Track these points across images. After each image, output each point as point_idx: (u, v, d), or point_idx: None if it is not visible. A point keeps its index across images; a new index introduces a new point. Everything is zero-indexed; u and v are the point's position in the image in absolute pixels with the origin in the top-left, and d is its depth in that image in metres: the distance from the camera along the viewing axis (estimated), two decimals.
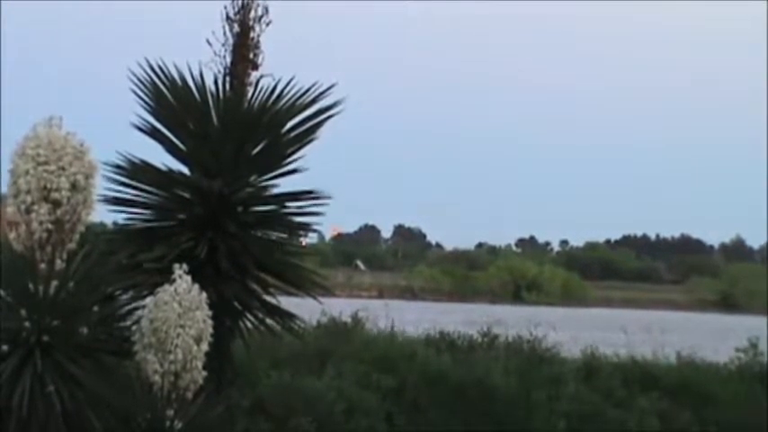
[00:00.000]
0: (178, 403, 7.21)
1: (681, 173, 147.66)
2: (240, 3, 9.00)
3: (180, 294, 7.21)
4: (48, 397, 6.71)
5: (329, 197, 9.05)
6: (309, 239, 10.44)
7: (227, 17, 8.99)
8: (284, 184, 9.18)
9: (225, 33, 8.96)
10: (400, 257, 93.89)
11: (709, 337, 24.49)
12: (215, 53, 8.91)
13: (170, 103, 8.99)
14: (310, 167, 9.19)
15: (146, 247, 8.48)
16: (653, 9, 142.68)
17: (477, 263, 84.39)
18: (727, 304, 70.52)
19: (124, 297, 7.73)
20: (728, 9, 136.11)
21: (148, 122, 9.06)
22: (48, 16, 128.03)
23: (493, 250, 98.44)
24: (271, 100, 8.99)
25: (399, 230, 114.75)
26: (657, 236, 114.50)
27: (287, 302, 9.13)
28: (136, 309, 7.45)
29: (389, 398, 13.86)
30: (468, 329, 16.34)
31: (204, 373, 7.28)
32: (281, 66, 9.14)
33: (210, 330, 7.31)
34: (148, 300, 7.36)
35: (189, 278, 7.29)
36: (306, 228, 9.38)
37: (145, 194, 8.92)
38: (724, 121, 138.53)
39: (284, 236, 9.38)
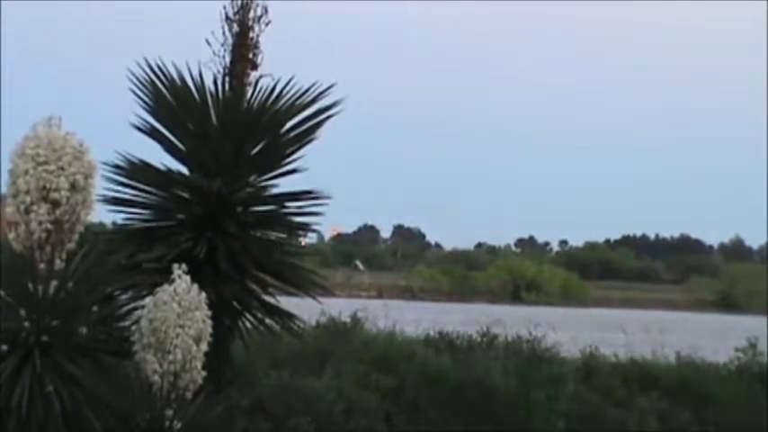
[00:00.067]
0: (177, 403, 7.21)
1: (681, 173, 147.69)
2: (239, 3, 9.00)
3: (179, 294, 7.20)
4: (47, 397, 6.71)
5: (329, 197, 9.06)
6: (309, 239, 10.45)
7: (227, 17, 8.99)
8: (284, 184, 9.20)
9: (224, 33, 8.96)
10: (399, 257, 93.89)
11: (709, 337, 24.51)
12: (214, 53, 8.92)
13: (169, 102, 8.99)
14: (310, 167, 9.20)
15: (145, 247, 8.48)
16: (653, 9, 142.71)
17: (477, 263, 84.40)
18: (727, 304, 70.53)
19: (123, 297, 7.73)
20: (728, 9, 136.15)
21: (148, 122, 9.06)
22: (48, 16, 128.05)
23: (492, 250, 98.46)
24: (270, 100, 8.99)
25: (399, 230, 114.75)
26: (657, 236, 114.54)
27: (286, 302, 9.13)
28: (135, 309, 7.44)
29: (389, 398, 13.86)
30: (468, 329, 16.34)
31: (203, 373, 7.27)
32: (280, 66, 9.15)
33: (210, 330, 7.31)
34: (148, 300, 7.35)
35: (188, 278, 7.29)
36: (305, 228, 9.38)
37: (144, 194, 8.92)
38: (724, 121, 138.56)
39: (283, 236, 9.38)
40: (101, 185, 7.73)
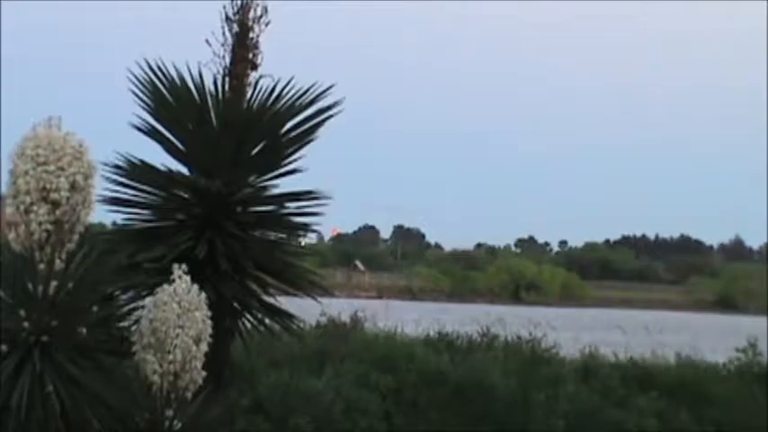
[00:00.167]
0: (177, 403, 7.21)
1: (681, 173, 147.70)
2: (239, 3, 8.99)
3: (179, 295, 7.20)
4: (47, 397, 6.71)
5: (328, 197, 9.05)
6: (309, 240, 10.44)
7: (227, 17, 8.98)
8: (283, 185, 9.19)
9: (224, 33, 8.95)
10: (399, 258, 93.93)
11: (708, 337, 24.52)
12: (214, 53, 8.91)
13: (169, 103, 8.98)
14: (310, 168, 9.19)
15: (145, 248, 8.47)
16: (653, 9, 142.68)
17: (477, 263, 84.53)
18: (726, 304, 70.57)
19: (123, 297, 7.72)
20: (729, 9, 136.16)
21: (148, 123, 9.06)
22: (47, 16, 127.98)
23: (492, 250, 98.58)
24: (270, 100, 8.99)
25: (399, 231, 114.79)
26: (656, 236, 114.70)
27: (286, 303, 9.13)
28: (135, 309, 7.44)
29: (388, 398, 13.87)
30: (468, 329, 16.36)
31: (203, 374, 7.27)
32: (280, 66, 9.15)
33: (210, 331, 7.31)
34: (148, 300, 7.35)
35: (188, 278, 7.29)
36: (305, 228, 9.37)
37: (144, 195, 8.91)
38: (724, 121, 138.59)
39: (283, 236, 9.37)
40: (101, 186, 7.73)
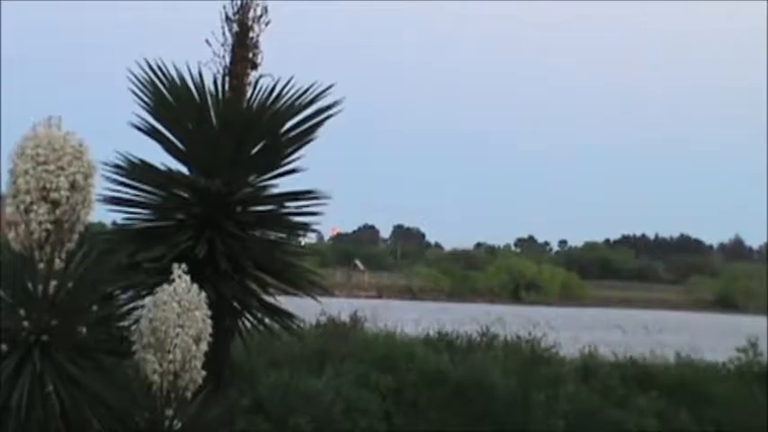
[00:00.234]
0: (177, 403, 7.21)
1: (681, 173, 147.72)
2: (239, 3, 8.99)
3: (179, 294, 7.20)
4: (47, 397, 6.71)
5: (328, 197, 9.05)
6: (308, 239, 10.44)
7: (227, 17, 8.98)
8: (283, 184, 9.19)
9: (224, 33, 8.95)
10: (399, 257, 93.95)
11: (708, 336, 24.53)
12: (214, 53, 8.91)
13: (169, 102, 8.98)
14: (309, 167, 9.19)
15: (145, 247, 8.47)
16: (653, 9, 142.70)
17: (477, 262, 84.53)
18: (726, 304, 70.57)
19: (123, 297, 7.72)
20: (728, 9, 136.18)
21: (147, 122, 9.06)
22: (47, 16, 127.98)
23: (492, 250, 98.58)
24: (270, 100, 8.99)
25: (398, 230, 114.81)
26: (656, 236, 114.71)
27: (286, 302, 9.13)
28: (135, 308, 7.44)
29: (388, 398, 13.87)
30: (467, 329, 16.36)
31: (203, 373, 7.27)
32: (280, 65, 9.15)
33: (210, 330, 7.31)
34: (147, 299, 7.35)
35: (188, 278, 7.29)
36: (305, 228, 9.37)
37: (144, 194, 8.91)
38: (724, 121, 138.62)
39: (283, 236, 9.37)
40: (101, 185, 7.72)
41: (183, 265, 7.33)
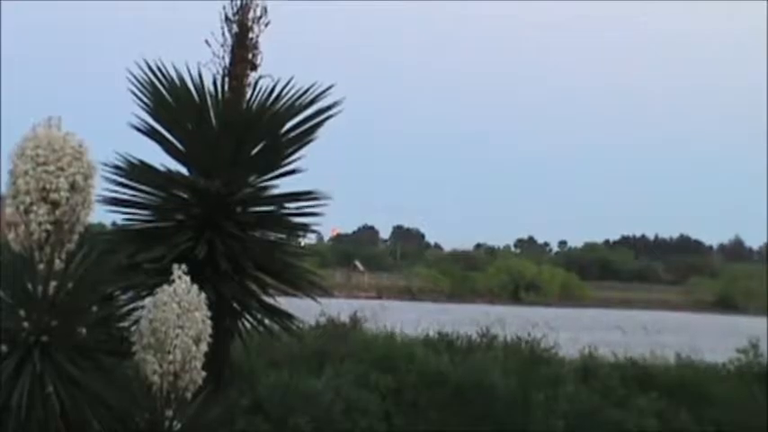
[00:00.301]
0: (177, 403, 7.21)
1: (680, 173, 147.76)
2: (239, 3, 8.99)
3: (179, 295, 7.20)
4: (47, 397, 6.71)
5: (328, 198, 9.05)
6: (308, 240, 10.44)
7: (226, 18, 8.98)
8: (283, 185, 9.19)
9: (224, 34, 8.95)
10: (399, 258, 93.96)
11: (708, 337, 24.53)
12: (214, 54, 8.91)
13: (169, 103, 8.98)
14: (309, 168, 9.19)
15: (144, 248, 8.47)
16: (653, 9, 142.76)
17: (476, 263, 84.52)
18: (726, 305, 70.55)
19: (123, 297, 7.72)
20: (728, 9, 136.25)
21: (147, 123, 9.06)
22: (47, 16, 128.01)
23: (492, 251, 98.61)
24: (270, 100, 8.99)
25: (398, 231, 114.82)
26: (656, 236, 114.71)
27: (286, 303, 9.13)
28: (135, 309, 7.44)
29: (388, 398, 13.88)
30: (467, 330, 16.37)
31: (203, 374, 7.27)
32: (279, 66, 9.15)
33: (209, 331, 7.31)
34: (147, 300, 7.35)
35: (188, 279, 7.29)
36: (305, 228, 9.37)
37: (143, 195, 8.92)
38: (724, 121, 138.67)
39: (283, 236, 9.38)
40: (100, 186, 7.73)
41: (183, 266, 7.33)
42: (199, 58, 8.85)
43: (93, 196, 7.09)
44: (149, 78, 8.88)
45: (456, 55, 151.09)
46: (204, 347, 7.26)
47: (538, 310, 40.00)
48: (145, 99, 8.96)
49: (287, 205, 9.17)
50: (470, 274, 77.88)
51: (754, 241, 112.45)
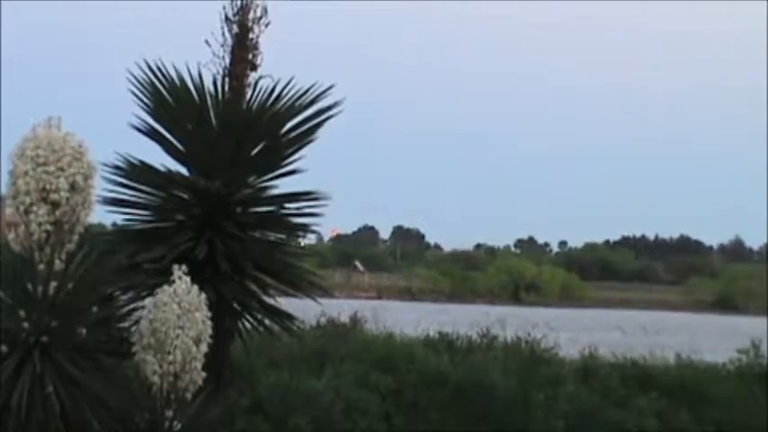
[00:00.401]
0: (177, 404, 7.21)
1: (680, 173, 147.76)
2: (239, 3, 8.99)
3: (179, 295, 7.20)
4: (47, 397, 6.72)
5: (328, 198, 9.05)
6: (308, 240, 10.44)
7: (226, 18, 8.98)
8: (283, 185, 9.19)
9: (224, 34, 8.95)
10: (399, 258, 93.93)
11: (707, 337, 24.53)
12: (214, 54, 8.91)
13: (169, 103, 8.98)
14: (309, 168, 9.19)
15: (145, 248, 8.47)
16: (653, 9, 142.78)
17: (476, 263, 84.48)
18: (726, 305, 70.53)
19: (123, 298, 7.72)
20: (728, 9, 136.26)
21: (147, 123, 9.06)
22: (47, 16, 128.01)
23: (492, 251, 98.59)
24: (270, 101, 8.99)
25: (398, 231, 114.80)
26: (656, 236, 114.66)
27: (286, 303, 9.13)
28: (135, 310, 7.44)
29: (388, 398, 13.88)
30: (467, 330, 16.36)
31: (203, 374, 7.27)
32: (280, 66, 9.15)
33: (210, 331, 7.31)
34: (147, 301, 7.35)
35: (188, 279, 7.29)
36: (305, 229, 9.37)
37: (144, 195, 8.92)
38: (724, 121, 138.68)
39: (283, 237, 9.38)
40: (100, 186, 7.74)
41: (183, 267, 7.33)
42: (199, 58, 8.86)
43: (94, 196, 7.10)
44: (149, 78, 8.88)
45: (456, 55, 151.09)
46: (204, 348, 7.26)
47: (538, 310, 40.00)
48: (145, 99, 8.96)
49: (287, 205, 9.17)
50: (470, 274, 77.85)
51: (754, 241, 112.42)
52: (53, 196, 6.85)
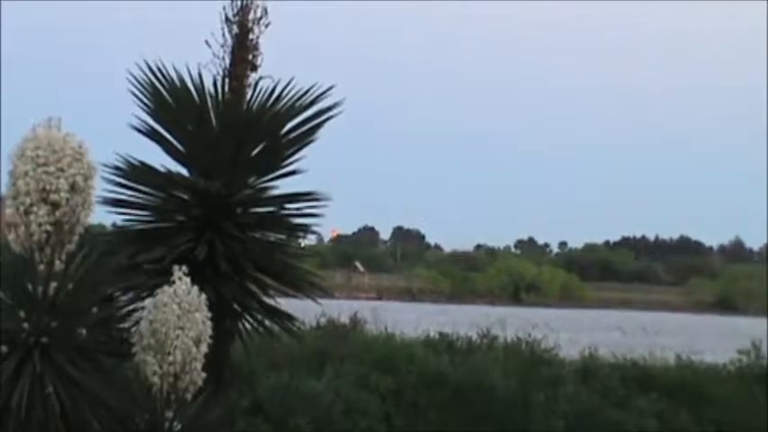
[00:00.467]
0: (177, 404, 7.22)
1: (681, 173, 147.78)
2: (239, 4, 8.99)
3: (179, 296, 7.21)
4: (47, 398, 6.72)
5: (328, 199, 9.05)
6: (308, 241, 10.44)
7: (227, 18, 8.98)
8: (283, 186, 9.19)
9: (224, 35, 8.95)
10: (399, 259, 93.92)
11: (707, 338, 24.54)
12: (214, 54, 8.91)
13: (169, 104, 8.99)
14: (309, 169, 9.19)
15: (145, 249, 8.47)
16: (653, 9, 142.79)
17: (476, 264, 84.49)
18: (726, 305, 70.53)
19: (123, 298, 7.72)
20: (728, 9, 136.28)
21: (147, 124, 9.06)
22: (47, 16, 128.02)
23: (492, 251, 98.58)
24: (270, 101, 8.99)
25: (398, 232, 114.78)
26: (656, 237, 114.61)
27: (286, 304, 9.13)
28: (135, 310, 7.44)
29: (388, 399, 13.87)
30: (467, 331, 16.36)
31: (203, 375, 7.27)
32: (280, 67, 9.15)
33: (210, 332, 7.31)
34: (148, 301, 7.35)
35: (188, 280, 7.29)
36: (305, 229, 9.37)
37: (144, 196, 8.92)
38: (724, 121, 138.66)
39: (283, 237, 9.38)
40: (101, 187, 7.74)
41: (184, 267, 7.33)
42: (199, 58, 8.86)
43: (94, 197, 7.10)
44: (149, 79, 8.88)
45: (456, 55, 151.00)
46: (204, 348, 7.26)
47: (538, 310, 40.01)
48: (145, 100, 8.96)
49: (287, 206, 9.17)
50: (470, 274, 77.84)
51: (754, 242, 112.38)
52: (53, 197, 6.85)
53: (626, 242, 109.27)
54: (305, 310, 9.95)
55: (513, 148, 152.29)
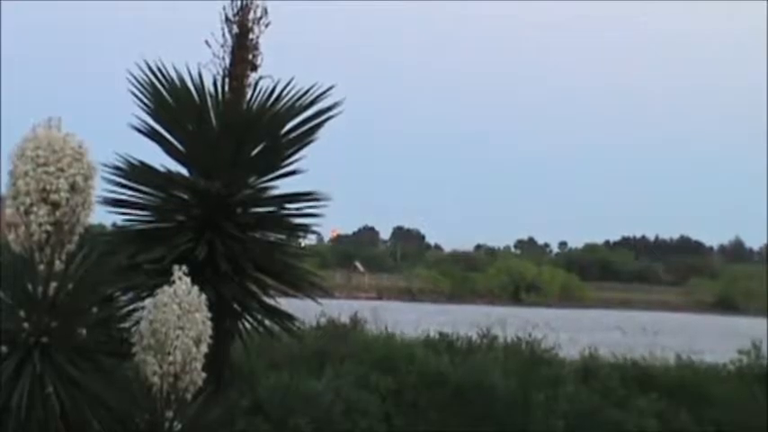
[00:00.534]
0: (177, 404, 7.22)
1: (681, 173, 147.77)
2: (239, 4, 8.99)
3: (179, 296, 7.21)
4: (47, 398, 6.72)
5: (328, 198, 9.05)
6: (308, 241, 10.44)
7: (227, 18, 8.98)
8: (283, 186, 9.19)
9: (224, 35, 8.95)
10: (399, 259, 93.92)
11: (707, 338, 24.53)
12: (214, 54, 8.91)
13: (169, 104, 8.99)
14: (309, 169, 9.20)
15: (145, 249, 8.48)
16: (653, 9, 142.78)
17: (476, 264, 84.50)
18: (726, 305, 70.52)
19: (123, 298, 7.72)
20: (728, 9, 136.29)
21: (147, 124, 9.06)
22: (47, 16, 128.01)
23: (492, 251, 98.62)
24: (270, 101, 8.99)
25: (398, 232, 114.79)
26: (656, 237, 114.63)
27: (286, 304, 9.13)
28: (135, 310, 7.44)
29: (388, 399, 13.87)
30: (467, 330, 16.35)
31: (203, 375, 7.28)
32: (280, 67, 9.15)
33: (210, 332, 7.32)
34: (148, 301, 7.35)
35: (188, 280, 7.29)
36: (305, 229, 9.37)
37: (144, 196, 8.92)
38: (724, 121, 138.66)
39: (283, 237, 9.38)
40: (101, 187, 7.74)
41: (184, 267, 7.33)
42: (199, 58, 8.86)
43: (94, 197, 7.10)
44: (149, 79, 8.89)
45: (456, 55, 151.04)
46: (204, 348, 7.26)
47: (538, 310, 39.98)
48: (145, 100, 8.96)
49: (287, 206, 9.18)
50: (470, 274, 77.84)
51: (754, 242, 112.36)
52: (53, 197, 6.85)
53: (626, 242, 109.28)
54: (305, 310, 9.95)
55: (513, 148, 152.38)
